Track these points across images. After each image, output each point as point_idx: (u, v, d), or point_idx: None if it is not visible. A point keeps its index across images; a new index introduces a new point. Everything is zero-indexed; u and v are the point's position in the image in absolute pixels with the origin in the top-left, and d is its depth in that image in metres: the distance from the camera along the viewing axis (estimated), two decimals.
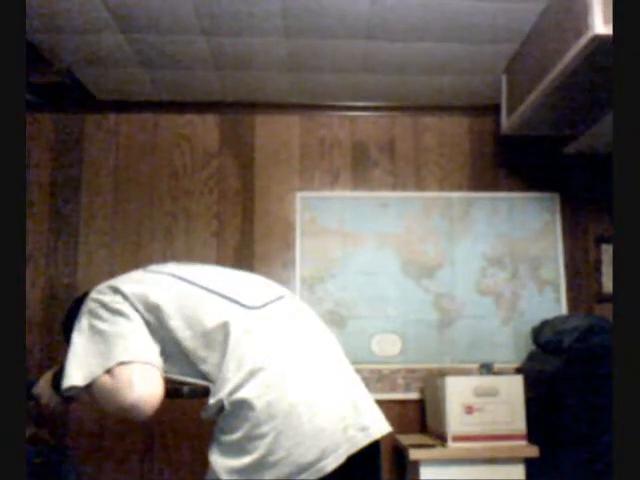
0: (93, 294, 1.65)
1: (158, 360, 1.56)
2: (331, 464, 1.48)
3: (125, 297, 1.60)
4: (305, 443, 1.48)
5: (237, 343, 1.55)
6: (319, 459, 1.47)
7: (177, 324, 1.59)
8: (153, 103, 3.36)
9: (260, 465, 1.46)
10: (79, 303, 1.74)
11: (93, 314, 1.60)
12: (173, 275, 1.71)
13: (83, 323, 1.60)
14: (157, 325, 1.60)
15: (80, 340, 1.58)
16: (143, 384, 1.48)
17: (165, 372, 1.60)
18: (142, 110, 3.37)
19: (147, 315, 1.60)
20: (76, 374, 1.53)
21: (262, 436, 1.47)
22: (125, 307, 1.59)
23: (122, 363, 1.50)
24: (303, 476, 1.46)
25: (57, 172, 3.30)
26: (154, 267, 1.80)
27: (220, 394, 1.51)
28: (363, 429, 1.58)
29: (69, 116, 3.35)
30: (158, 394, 1.50)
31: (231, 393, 1.50)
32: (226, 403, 1.50)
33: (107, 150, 3.34)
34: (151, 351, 1.56)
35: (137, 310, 1.60)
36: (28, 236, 3.21)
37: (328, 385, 1.60)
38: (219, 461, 1.51)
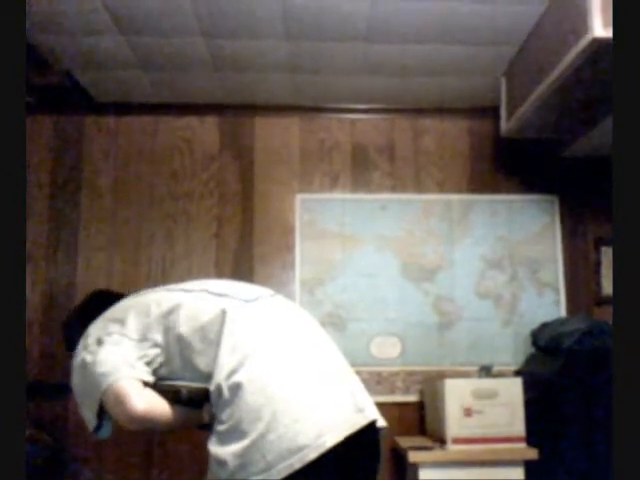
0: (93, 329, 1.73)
1: (133, 369, 1.62)
2: (330, 440, 1.49)
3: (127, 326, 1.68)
4: (303, 421, 1.50)
5: (231, 331, 1.60)
6: (318, 435, 1.49)
7: (177, 324, 1.65)
8: (153, 105, 3.36)
9: (260, 444, 1.47)
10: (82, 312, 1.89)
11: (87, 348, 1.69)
12: (168, 289, 1.81)
13: (79, 359, 1.69)
14: (166, 342, 1.66)
15: (77, 381, 1.69)
16: (121, 404, 1.56)
17: (163, 379, 1.66)
18: (142, 112, 3.37)
19: (162, 336, 1.67)
20: (89, 418, 1.66)
21: (259, 418, 1.49)
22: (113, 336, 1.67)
23: (104, 392, 1.58)
24: (304, 452, 1.46)
25: (57, 174, 3.30)
26: (146, 290, 1.87)
27: (218, 379, 1.54)
28: (360, 410, 1.61)
29: (69, 118, 3.35)
30: (136, 403, 1.56)
31: (227, 377, 1.53)
32: (224, 387, 1.53)
33: (107, 152, 3.34)
34: (126, 364, 1.62)
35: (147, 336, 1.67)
36: (28, 237, 3.20)
37: (321, 370, 1.63)
38: (219, 450, 1.52)
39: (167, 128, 3.37)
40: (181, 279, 3.09)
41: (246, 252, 3.28)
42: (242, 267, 3.25)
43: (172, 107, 3.37)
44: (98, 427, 1.66)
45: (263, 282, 3.14)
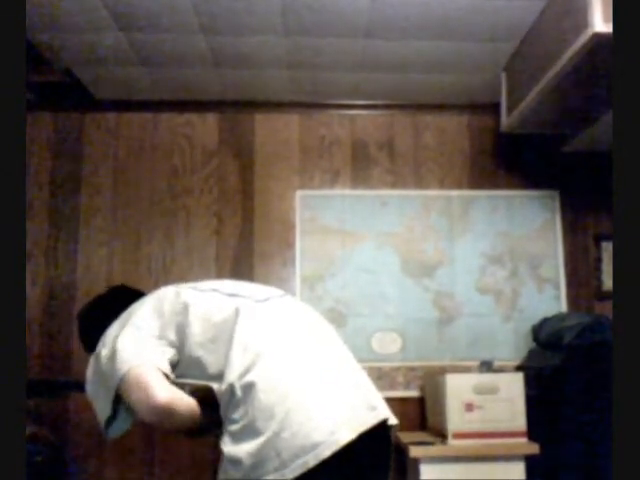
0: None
1: (154, 356, 1.62)
2: (344, 437, 1.49)
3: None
4: (317, 418, 1.50)
5: (243, 330, 1.61)
6: (332, 432, 1.49)
7: (188, 323, 1.66)
8: (152, 102, 3.36)
9: (275, 442, 1.47)
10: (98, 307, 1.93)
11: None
12: (181, 287, 1.80)
13: (96, 352, 1.71)
14: (179, 340, 1.66)
15: (91, 373, 1.71)
16: (141, 390, 1.55)
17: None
18: (142, 109, 3.37)
19: (175, 335, 1.67)
20: (102, 412, 1.67)
21: (273, 416, 1.49)
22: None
23: (122, 378, 1.58)
24: (319, 450, 1.46)
25: (57, 171, 3.30)
26: (156, 291, 1.86)
27: (230, 378, 1.54)
28: (372, 409, 1.61)
29: (69, 115, 3.35)
30: (158, 392, 1.54)
31: (241, 377, 1.53)
32: (237, 387, 1.53)
33: (107, 149, 3.33)
34: (146, 351, 1.63)
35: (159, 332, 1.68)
36: (28, 234, 3.20)
37: (332, 369, 1.64)
38: (233, 449, 1.51)
39: (167, 125, 3.37)
40: (181, 276, 3.12)
41: (246, 248, 3.28)
42: (242, 264, 3.25)
43: (172, 104, 3.37)
44: (109, 424, 1.66)
45: (263, 279, 3.15)
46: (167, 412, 1.54)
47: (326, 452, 1.46)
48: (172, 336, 1.66)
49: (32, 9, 2.47)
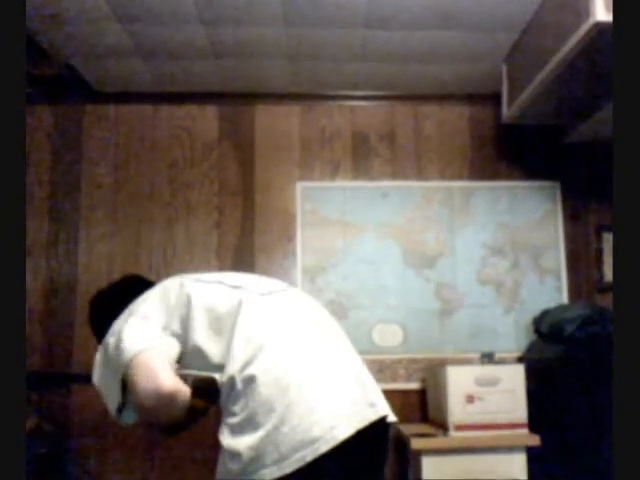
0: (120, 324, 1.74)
1: (161, 343, 1.63)
2: (342, 433, 1.49)
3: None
4: (316, 413, 1.50)
5: (245, 322, 1.61)
6: (331, 427, 1.49)
7: (192, 314, 1.66)
8: (152, 94, 3.35)
9: (274, 436, 1.48)
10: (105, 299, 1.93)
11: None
12: (186, 279, 1.80)
13: (105, 341, 1.72)
14: (183, 331, 1.67)
15: (99, 361, 1.71)
16: (148, 375, 1.55)
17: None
18: (141, 101, 3.36)
19: (180, 325, 1.67)
20: (112, 399, 1.66)
21: (273, 410, 1.49)
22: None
23: (129, 362, 1.57)
24: (316, 445, 1.47)
25: (57, 164, 3.29)
26: (162, 282, 1.85)
27: (231, 371, 1.55)
28: (371, 405, 1.62)
29: (68, 108, 3.34)
30: (165, 378, 1.55)
31: (242, 369, 1.54)
32: (238, 380, 1.53)
33: (106, 142, 3.33)
34: (153, 338, 1.64)
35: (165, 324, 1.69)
36: (29, 228, 3.20)
37: (334, 363, 1.64)
38: (233, 442, 1.51)
39: (167, 117, 3.36)
40: (183, 269, 3.12)
41: (247, 241, 3.28)
42: (243, 256, 3.25)
43: (172, 96, 3.36)
44: (120, 410, 1.66)
45: (264, 271, 3.15)
46: (169, 400, 1.54)
47: (324, 447, 1.47)
48: (176, 327, 1.66)
49: (32, 2, 2.46)
